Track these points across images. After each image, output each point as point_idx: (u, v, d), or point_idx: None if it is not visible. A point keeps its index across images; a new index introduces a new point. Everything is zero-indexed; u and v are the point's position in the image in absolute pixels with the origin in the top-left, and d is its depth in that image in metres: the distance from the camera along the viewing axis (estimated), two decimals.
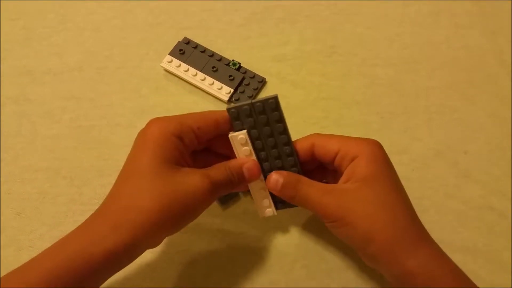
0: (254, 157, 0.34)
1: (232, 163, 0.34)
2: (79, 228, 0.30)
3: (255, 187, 0.36)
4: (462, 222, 0.41)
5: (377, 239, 0.30)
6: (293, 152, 0.34)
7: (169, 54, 0.47)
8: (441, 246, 0.40)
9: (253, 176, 0.34)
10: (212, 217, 0.41)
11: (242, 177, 0.34)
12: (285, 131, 0.34)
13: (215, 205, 0.41)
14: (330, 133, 0.45)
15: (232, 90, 0.46)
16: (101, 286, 0.36)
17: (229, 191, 0.34)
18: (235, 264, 0.39)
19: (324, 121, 0.46)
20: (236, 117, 0.33)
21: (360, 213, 0.31)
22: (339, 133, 0.45)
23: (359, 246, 0.32)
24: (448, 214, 0.41)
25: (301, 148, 0.35)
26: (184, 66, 0.47)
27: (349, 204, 0.31)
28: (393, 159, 0.43)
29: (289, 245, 0.40)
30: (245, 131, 0.33)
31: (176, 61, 0.47)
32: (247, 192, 0.40)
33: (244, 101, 0.33)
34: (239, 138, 0.33)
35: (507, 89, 0.48)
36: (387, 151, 0.43)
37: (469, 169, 0.43)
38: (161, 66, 0.47)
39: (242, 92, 0.46)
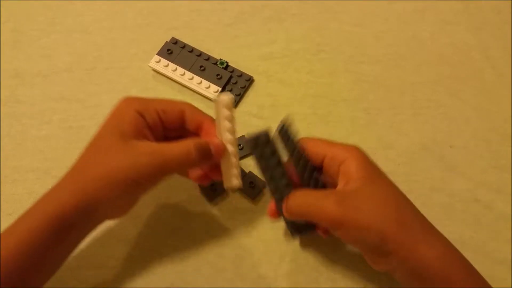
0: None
1: (198, 140, 0.33)
2: (49, 191, 0.33)
3: (225, 157, 0.35)
4: (449, 215, 0.42)
5: (392, 235, 0.29)
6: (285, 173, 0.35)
7: (157, 54, 0.48)
8: None
9: (219, 154, 0.34)
10: (201, 213, 0.41)
11: (206, 154, 0.33)
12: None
13: (204, 202, 0.42)
14: (318, 129, 0.46)
15: (219, 89, 0.46)
16: None
17: (187, 168, 0.36)
18: (224, 259, 0.40)
19: (311, 118, 0.46)
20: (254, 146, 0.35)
21: (370, 212, 0.29)
22: (326, 130, 0.46)
23: (374, 246, 0.30)
24: (434, 207, 0.42)
25: None
26: (172, 65, 0.47)
27: (354, 204, 0.30)
28: (380, 154, 0.44)
29: (278, 240, 0.40)
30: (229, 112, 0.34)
31: (164, 61, 0.47)
32: (235, 190, 0.41)
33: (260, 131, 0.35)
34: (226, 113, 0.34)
35: (492, 84, 0.48)
36: (374, 147, 0.44)
37: (455, 163, 0.44)
38: (149, 66, 0.48)
39: (230, 91, 0.47)
